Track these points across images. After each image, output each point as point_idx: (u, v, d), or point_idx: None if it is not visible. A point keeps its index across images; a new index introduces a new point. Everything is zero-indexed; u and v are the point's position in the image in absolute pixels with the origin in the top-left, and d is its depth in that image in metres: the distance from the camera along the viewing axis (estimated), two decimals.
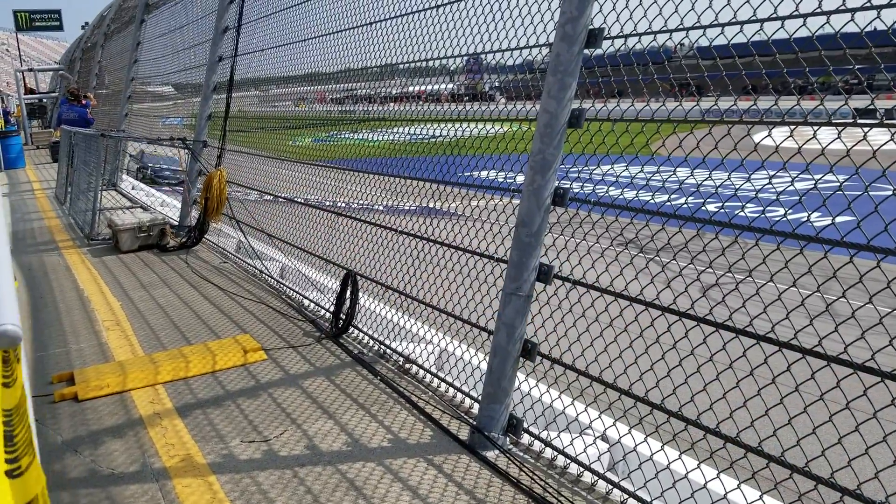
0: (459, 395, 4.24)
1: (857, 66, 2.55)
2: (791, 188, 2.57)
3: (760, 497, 2.68)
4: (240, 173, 8.66)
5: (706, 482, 2.82)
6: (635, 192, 3.23)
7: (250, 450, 3.63)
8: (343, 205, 6.31)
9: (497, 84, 5.27)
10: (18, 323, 1.31)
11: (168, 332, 5.57)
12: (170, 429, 3.89)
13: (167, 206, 12.08)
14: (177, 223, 9.70)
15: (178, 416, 4.06)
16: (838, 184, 2.42)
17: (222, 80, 9.03)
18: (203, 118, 9.39)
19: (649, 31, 3.20)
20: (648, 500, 2.97)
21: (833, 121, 2.50)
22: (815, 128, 2.57)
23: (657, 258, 3.13)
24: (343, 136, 7.69)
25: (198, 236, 8.74)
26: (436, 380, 4.48)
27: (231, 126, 8.78)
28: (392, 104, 6.50)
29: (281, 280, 7.04)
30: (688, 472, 2.93)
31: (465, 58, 4.74)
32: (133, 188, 14.20)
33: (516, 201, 3.68)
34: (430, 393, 4.33)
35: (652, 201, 3.12)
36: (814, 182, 2.48)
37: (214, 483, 3.32)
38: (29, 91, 34.22)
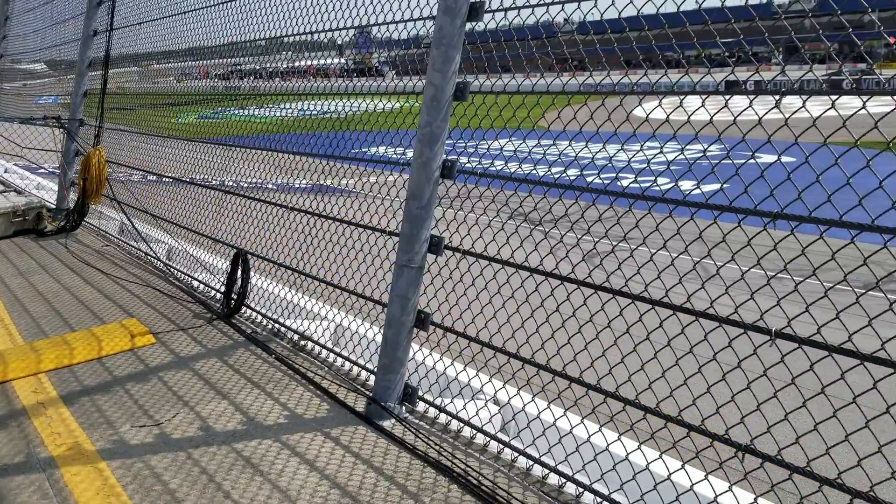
0: (356, 369, 4.29)
1: (721, 40, 2.72)
2: (661, 157, 2.72)
3: (638, 447, 2.86)
4: (121, 153, 8.33)
5: (589, 436, 2.98)
6: (518, 164, 3.33)
7: (141, 434, 3.56)
8: (232, 183, 6.19)
9: (386, 59, 5.28)
10: None
11: (49, 319, 5.34)
12: (55, 417, 3.76)
13: (43, 188, 11.47)
14: (54, 206, 9.25)
15: (64, 404, 3.92)
16: (702, 151, 2.59)
17: (98, 55, 8.62)
18: (78, 96, 8.95)
19: (528, 4, 3.30)
20: (537, 456, 3.11)
21: (697, 90, 2.66)
22: (682, 97, 2.73)
23: (540, 227, 3.26)
24: (230, 113, 7.52)
25: (77, 220, 8.36)
26: (332, 355, 4.50)
27: (111, 104, 8.42)
28: (279, 80, 6.40)
29: (168, 262, 6.85)
30: (572, 428, 3.09)
31: (354, 32, 4.73)
32: (6, 171, 13.39)
33: (407, 176, 3.73)
34: (327, 368, 4.35)
35: (534, 173, 3.23)
36: (681, 149, 2.64)
37: (105, 469, 3.25)
38: None
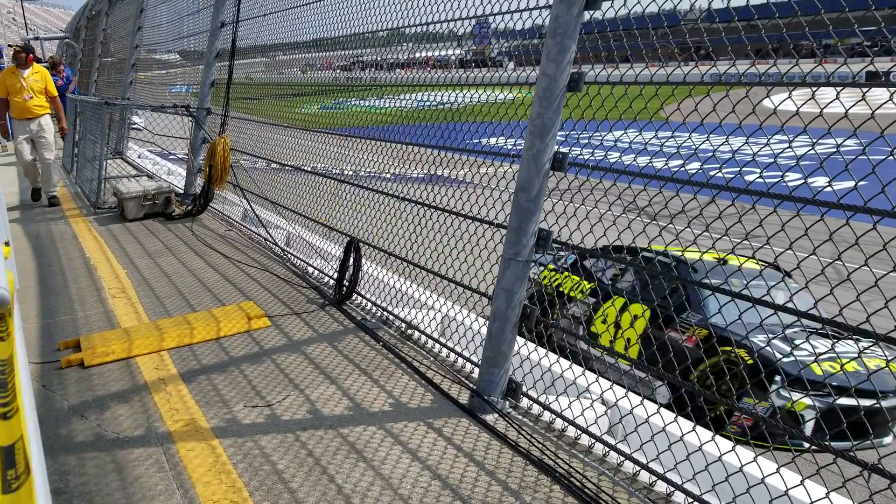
0: (460, 360, 4.27)
1: (859, 28, 2.52)
2: (790, 151, 2.55)
3: (755, 459, 2.70)
4: (245, 141, 8.65)
5: (701, 444, 2.84)
6: (633, 156, 3.21)
7: (253, 414, 3.68)
8: (350, 173, 6.31)
9: (505, 49, 5.23)
10: (6, 286, 1.34)
11: (173, 299, 5.61)
12: (174, 394, 3.94)
13: (173, 174, 12.09)
14: (182, 191, 9.72)
15: (183, 381, 4.10)
16: (836, 146, 2.40)
17: (225, 46, 8.98)
18: (206, 85, 9.35)
19: None
20: (644, 461, 3.00)
21: (832, 81, 2.47)
22: (814, 89, 2.54)
23: (655, 222, 3.12)
24: (350, 104, 7.65)
25: (203, 204, 8.76)
26: (437, 345, 4.51)
27: (236, 94, 8.74)
28: (399, 71, 6.45)
29: (286, 248, 7.06)
30: (683, 435, 2.96)
31: (473, 23, 4.70)
32: (139, 157, 14.20)
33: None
34: (432, 358, 4.36)
35: (650, 165, 3.11)
36: (811, 144, 2.46)
37: (218, 447, 3.37)
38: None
